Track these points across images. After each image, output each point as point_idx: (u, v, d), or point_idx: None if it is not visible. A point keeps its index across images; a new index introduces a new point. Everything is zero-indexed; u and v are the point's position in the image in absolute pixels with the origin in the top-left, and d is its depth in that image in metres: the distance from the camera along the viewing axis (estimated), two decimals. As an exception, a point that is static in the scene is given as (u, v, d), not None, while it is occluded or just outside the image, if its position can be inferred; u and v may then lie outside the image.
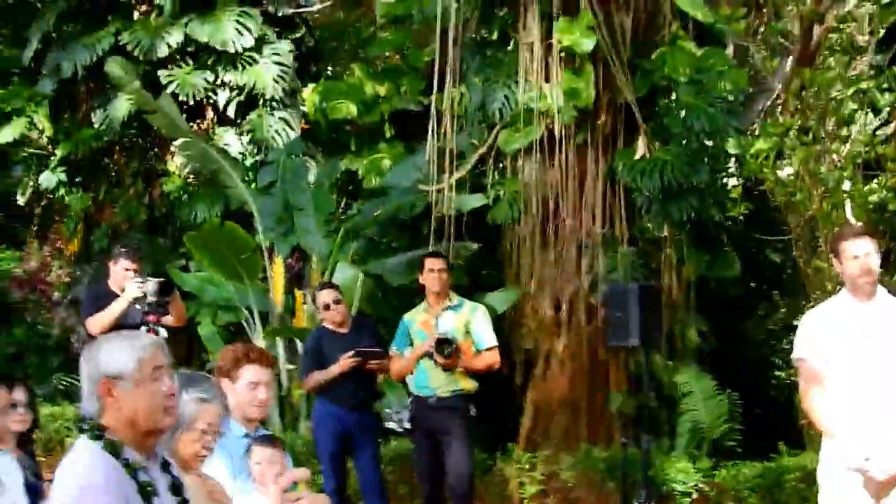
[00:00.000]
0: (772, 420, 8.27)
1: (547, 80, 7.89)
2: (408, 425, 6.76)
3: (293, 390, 8.51)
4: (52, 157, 11.47)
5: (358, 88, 9.88)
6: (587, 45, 7.68)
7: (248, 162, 10.84)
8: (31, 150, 11.79)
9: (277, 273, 8.95)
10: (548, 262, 8.06)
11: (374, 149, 9.78)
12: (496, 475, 7.61)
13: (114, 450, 2.71)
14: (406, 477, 7.59)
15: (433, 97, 8.32)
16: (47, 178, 11.38)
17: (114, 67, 10.47)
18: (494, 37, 8.70)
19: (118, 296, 6.68)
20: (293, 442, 7.62)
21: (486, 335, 6.49)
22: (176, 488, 2.88)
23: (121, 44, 10.77)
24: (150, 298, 6.57)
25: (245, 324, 8.98)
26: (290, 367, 8.49)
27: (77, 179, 11.54)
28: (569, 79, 7.82)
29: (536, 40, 7.96)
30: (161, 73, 10.81)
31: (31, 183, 11.84)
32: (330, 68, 13.23)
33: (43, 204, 12.41)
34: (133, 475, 2.70)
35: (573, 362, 7.91)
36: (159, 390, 2.76)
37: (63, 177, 11.37)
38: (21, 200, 12.42)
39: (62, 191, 11.42)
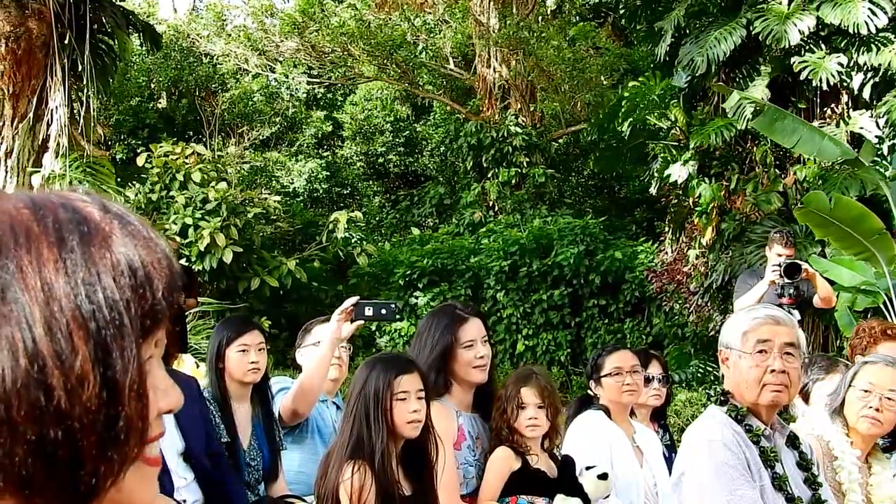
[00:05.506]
0: None
1: None
2: None
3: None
4: (685, 150, 11.64)
5: None
6: None
7: (886, 145, 10.41)
8: (666, 143, 12.20)
9: (914, 256, 8.48)
10: None
11: None
12: None
13: (736, 415, 2.90)
14: None
15: None
16: (677, 170, 11.63)
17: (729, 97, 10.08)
18: None
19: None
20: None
21: None
22: (804, 464, 2.99)
23: (753, 33, 10.86)
24: (780, 281, 6.65)
25: (882, 307, 8.70)
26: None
27: (710, 171, 11.66)
28: None
29: None
30: (794, 59, 10.82)
31: (659, 174, 12.08)
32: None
33: (678, 194, 12.46)
34: (755, 441, 2.85)
35: None
36: (761, 365, 2.86)
37: (692, 169, 11.54)
38: (652, 191, 12.76)
39: (693, 181, 11.60)
